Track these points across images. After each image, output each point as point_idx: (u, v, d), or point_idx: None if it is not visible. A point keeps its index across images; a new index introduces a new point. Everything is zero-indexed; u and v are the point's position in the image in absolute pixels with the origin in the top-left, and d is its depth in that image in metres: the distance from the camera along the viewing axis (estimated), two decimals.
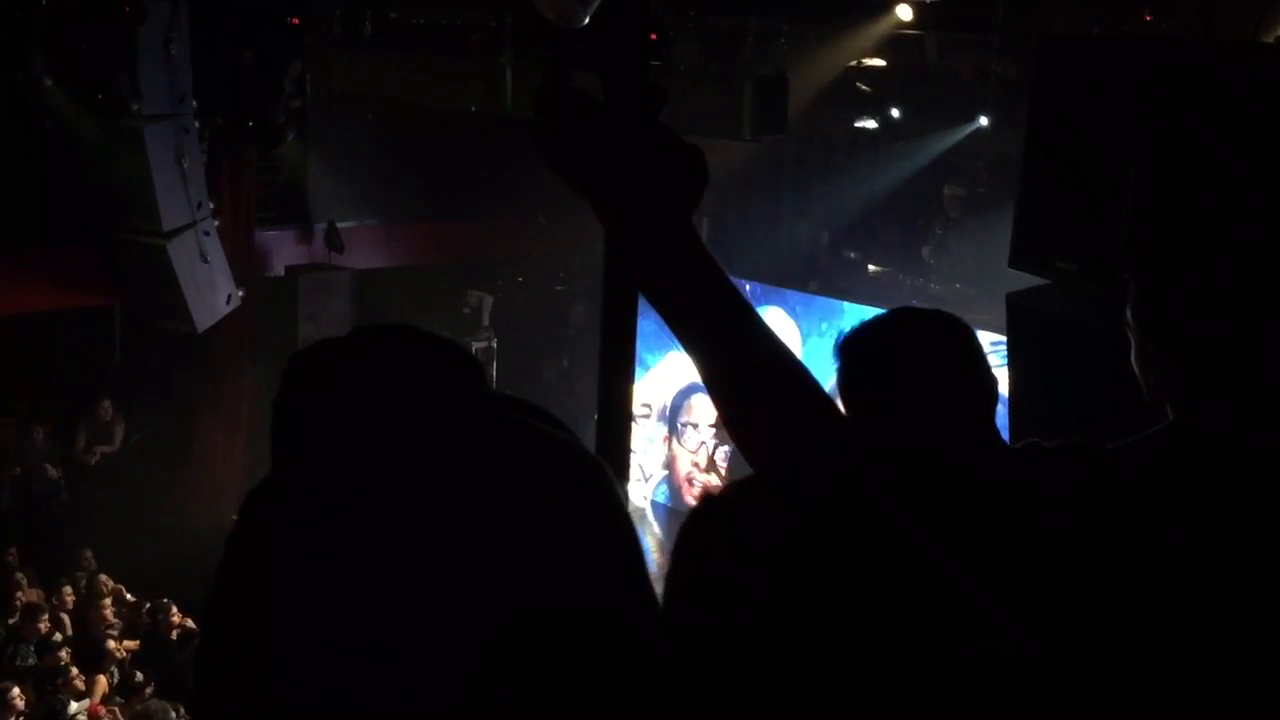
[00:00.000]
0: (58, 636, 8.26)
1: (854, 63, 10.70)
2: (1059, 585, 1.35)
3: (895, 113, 10.84)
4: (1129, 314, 1.63)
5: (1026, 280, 3.59)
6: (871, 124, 11.00)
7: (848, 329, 1.88)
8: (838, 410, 1.21)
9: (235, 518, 0.82)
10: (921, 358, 1.77)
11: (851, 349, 1.83)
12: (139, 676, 8.05)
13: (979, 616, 1.22)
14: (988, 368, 1.83)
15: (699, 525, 0.95)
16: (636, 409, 11.59)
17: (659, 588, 0.88)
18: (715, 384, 1.11)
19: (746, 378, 1.10)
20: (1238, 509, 1.40)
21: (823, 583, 0.89)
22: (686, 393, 11.45)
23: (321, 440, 0.81)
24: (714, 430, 11.24)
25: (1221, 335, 1.53)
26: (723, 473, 11.40)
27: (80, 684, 7.75)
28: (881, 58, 10.71)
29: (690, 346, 1.10)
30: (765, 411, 1.11)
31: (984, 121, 10.32)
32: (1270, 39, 6.12)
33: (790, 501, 0.93)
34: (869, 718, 0.88)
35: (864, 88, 10.80)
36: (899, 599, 0.92)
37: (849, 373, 1.83)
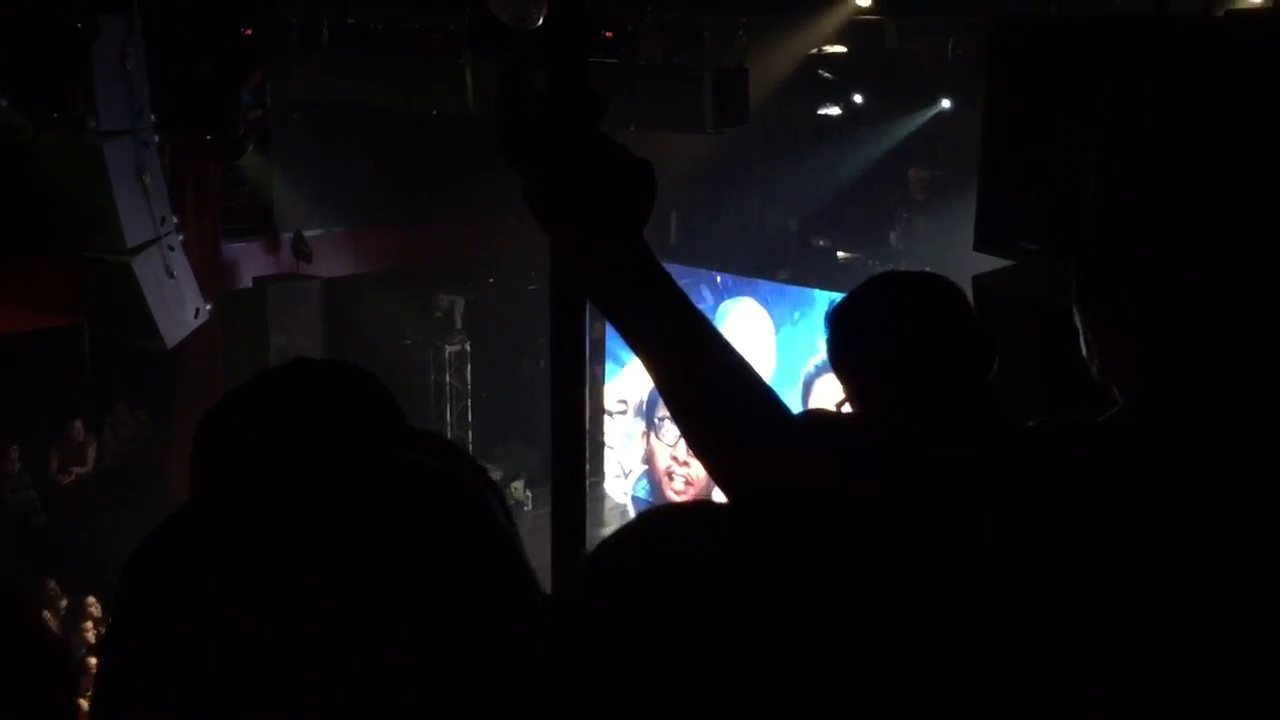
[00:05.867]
0: None
1: (815, 50, 10.73)
2: (1031, 575, 1.36)
3: (858, 99, 10.87)
4: (1073, 304, 1.65)
5: (994, 262, 3.62)
6: (835, 111, 11.03)
7: (836, 301, 1.95)
8: (795, 422, 1.20)
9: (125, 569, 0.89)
10: (906, 314, 1.82)
11: (839, 316, 1.90)
12: None
13: (975, 612, 1.22)
14: (977, 323, 1.86)
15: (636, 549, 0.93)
16: (613, 405, 11.58)
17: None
18: (667, 397, 1.10)
19: (697, 391, 1.09)
20: (1182, 498, 1.41)
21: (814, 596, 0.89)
22: None
23: (226, 485, 0.93)
24: None
25: (1160, 323, 1.54)
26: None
27: None
28: (842, 44, 10.74)
29: (642, 359, 1.08)
30: (718, 424, 1.09)
31: (946, 104, 10.37)
32: (1219, 13, 6.18)
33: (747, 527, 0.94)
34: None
35: (826, 75, 10.83)
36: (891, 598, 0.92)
37: (837, 339, 1.89)
